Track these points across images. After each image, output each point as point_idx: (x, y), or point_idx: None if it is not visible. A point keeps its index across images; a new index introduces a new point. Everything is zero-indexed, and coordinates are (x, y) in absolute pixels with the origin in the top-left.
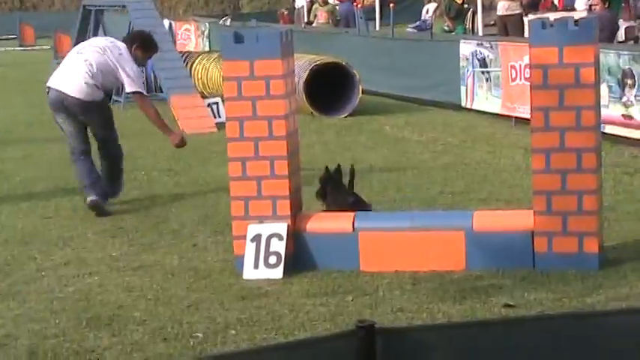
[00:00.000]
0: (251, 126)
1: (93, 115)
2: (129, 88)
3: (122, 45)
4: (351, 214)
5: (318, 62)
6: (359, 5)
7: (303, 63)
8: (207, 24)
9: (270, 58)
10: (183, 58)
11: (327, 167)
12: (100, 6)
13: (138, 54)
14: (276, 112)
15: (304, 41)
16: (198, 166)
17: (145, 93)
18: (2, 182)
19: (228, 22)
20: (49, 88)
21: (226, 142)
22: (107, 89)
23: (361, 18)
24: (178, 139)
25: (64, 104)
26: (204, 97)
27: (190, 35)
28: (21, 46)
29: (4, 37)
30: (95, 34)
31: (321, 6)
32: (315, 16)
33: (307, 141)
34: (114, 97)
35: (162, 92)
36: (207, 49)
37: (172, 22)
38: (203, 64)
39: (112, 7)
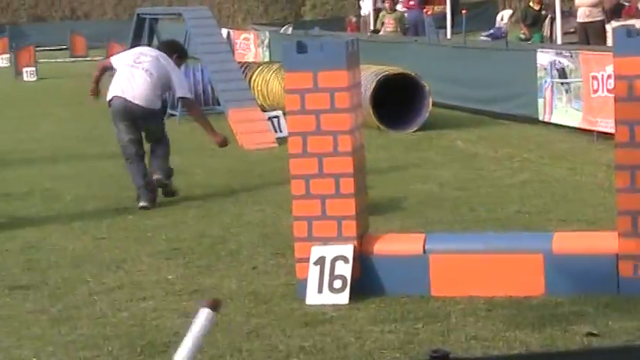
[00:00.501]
0: (315, 141)
1: (153, 122)
2: (180, 92)
3: (164, 54)
4: (422, 235)
5: (386, 73)
6: (429, 12)
7: (370, 74)
8: (267, 33)
9: (335, 69)
10: (242, 69)
11: None
12: (154, 14)
13: (177, 62)
14: (341, 127)
15: (371, 51)
16: (257, 184)
17: (192, 98)
18: (53, 201)
19: (289, 31)
20: (112, 97)
21: (288, 159)
22: (162, 97)
23: (431, 26)
24: (221, 139)
25: (128, 112)
26: (264, 110)
27: (250, 45)
28: (72, 56)
29: (54, 47)
30: (149, 44)
31: (388, 13)
32: (382, 23)
33: (374, 157)
34: (169, 111)
35: (219, 105)
36: (267, 59)
37: (231, 31)
38: (263, 75)
39: (167, 16)
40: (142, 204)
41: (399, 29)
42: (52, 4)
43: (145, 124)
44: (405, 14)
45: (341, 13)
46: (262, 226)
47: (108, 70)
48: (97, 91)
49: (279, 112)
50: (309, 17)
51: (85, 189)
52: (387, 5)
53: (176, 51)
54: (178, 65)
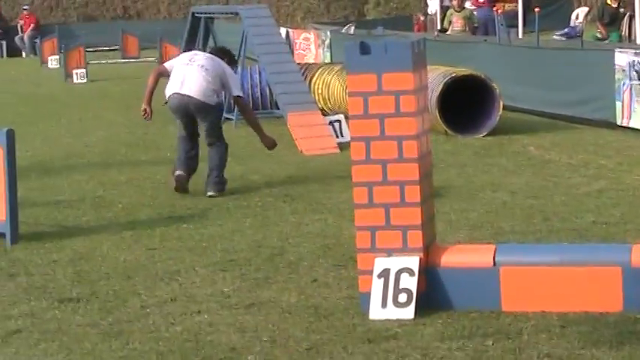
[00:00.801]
0: (378, 147)
1: (209, 117)
2: (235, 91)
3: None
4: (492, 246)
5: (453, 75)
6: (499, 10)
7: (437, 76)
8: (328, 32)
9: (401, 71)
10: (302, 70)
11: None
12: (210, 13)
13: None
14: (406, 132)
15: (438, 51)
16: (318, 192)
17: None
18: (103, 209)
19: (352, 30)
20: (169, 95)
21: (350, 165)
22: (218, 94)
23: (502, 25)
24: (271, 141)
25: (185, 107)
26: (325, 114)
27: (310, 45)
28: (123, 58)
29: (105, 48)
30: (205, 44)
31: (456, 11)
32: (450, 22)
33: (441, 163)
34: (225, 115)
35: (278, 109)
36: (328, 60)
37: (290, 31)
38: (324, 77)
39: (224, 15)
40: (178, 172)
41: (467, 28)
42: (104, 2)
43: (202, 119)
44: (474, 12)
45: (406, 12)
46: (323, 236)
47: (163, 76)
48: (151, 111)
49: (341, 116)
50: (373, 16)
51: (137, 197)
52: (454, 3)
53: (226, 56)
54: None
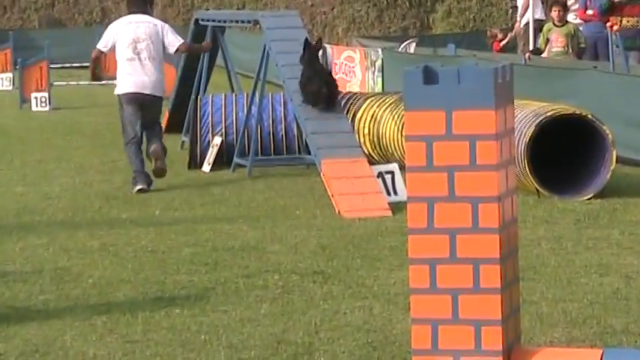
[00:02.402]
0: (446, 211)
1: (157, 107)
2: (172, 49)
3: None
4: (598, 350)
5: (550, 114)
6: (614, 27)
7: (527, 115)
8: (380, 51)
9: (479, 108)
10: (343, 102)
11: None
12: (220, 21)
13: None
14: (484, 191)
15: (529, 80)
16: (360, 269)
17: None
18: (67, 285)
19: (412, 49)
20: (122, 92)
21: (406, 235)
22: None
23: (617, 46)
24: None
25: (137, 100)
26: (372, 162)
27: (354, 67)
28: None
29: (75, 64)
30: (211, 62)
31: (556, 26)
32: (548, 40)
33: (530, 235)
34: (237, 160)
35: (309, 154)
36: (379, 88)
37: (328, 48)
38: (373, 112)
39: (239, 24)
40: (139, 187)
41: (570, 49)
42: (75, 2)
43: (149, 109)
44: (580, 28)
45: (487, 24)
46: (366, 330)
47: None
48: (97, 74)
49: (395, 167)
50: (441, 29)
51: (113, 269)
52: (554, 15)
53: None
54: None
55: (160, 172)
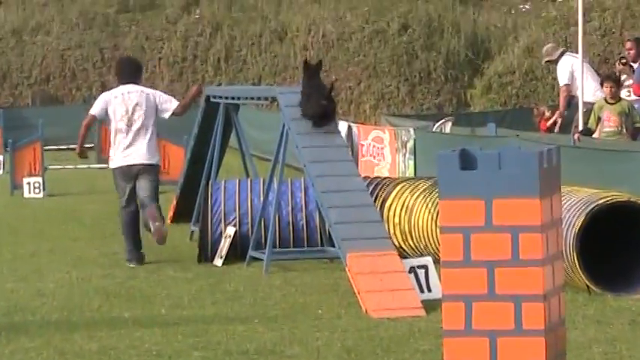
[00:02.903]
0: (485, 311)
1: (153, 174)
2: (167, 114)
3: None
4: None
5: (601, 201)
6: None
7: (576, 202)
8: (411, 131)
9: (522, 196)
10: (370, 188)
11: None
12: (233, 98)
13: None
14: (528, 289)
15: (578, 163)
16: None
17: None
18: None
19: (448, 128)
20: (117, 166)
21: (441, 337)
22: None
23: None
24: (196, 87)
25: (130, 172)
26: (404, 256)
27: (383, 149)
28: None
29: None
30: (224, 143)
31: (608, 103)
32: (599, 119)
33: (580, 337)
34: (252, 254)
35: (332, 246)
36: (411, 173)
37: (353, 126)
38: (404, 199)
39: (254, 100)
40: (132, 265)
41: (624, 129)
42: (72, 77)
43: (144, 176)
44: (636, 106)
45: (531, 100)
46: None
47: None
48: (85, 151)
49: (428, 260)
50: (480, 107)
51: None
52: (606, 91)
53: (139, 73)
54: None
55: (160, 234)
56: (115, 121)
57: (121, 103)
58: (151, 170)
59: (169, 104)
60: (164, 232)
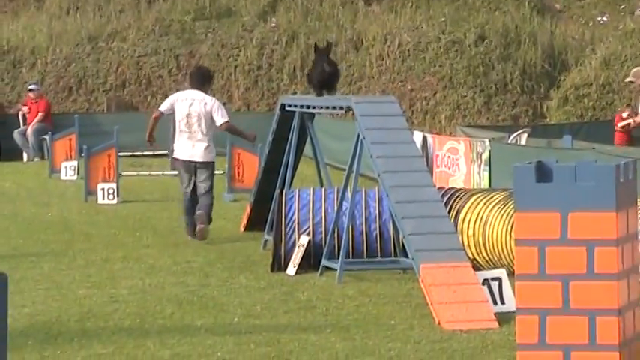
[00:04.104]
0: (559, 325)
1: (206, 171)
2: (220, 121)
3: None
4: None
5: None
6: None
7: None
8: (487, 142)
9: (597, 210)
10: (445, 199)
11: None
12: (309, 107)
13: (208, 88)
14: (603, 303)
15: None
16: None
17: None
18: None
19: (523, 140)
20: (177, 158)
21: (515, 349)
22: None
23: None
24: (252, 136)
25: (189, 166)
26: (477, 267)
27: (458, 160)
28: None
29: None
30: (298, 152)
31: None
32: None
33: None
34: (326, 263)
35: (406, 257)
36: (486, 184)
37: (428, 137)
38: (478, 211)
39: (329, 109)
40: (189, 236)
41: None
42: (148, 83)
43: (200, 173)
44: None
45: (608, 113)
46: None
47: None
48: (153, 138)
49: (502, 272)
50: (556, 119)
51: None
52: None
53: (207, 80)
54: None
55: (202, 235)
56: (178, 120)
57: (183, 106)
58: (207, 167)
59: (218, 118)
60: (205, 234)
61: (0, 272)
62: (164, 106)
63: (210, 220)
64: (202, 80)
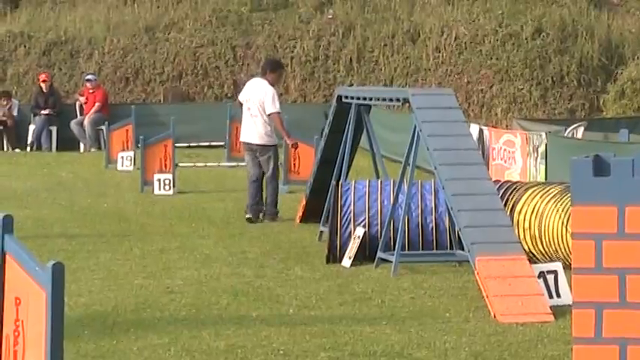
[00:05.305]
0: (616, 320)
1: (265, 154)
2: (269, 110)
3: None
4: None
5: None
6: None
7: None
8: (543, 135)
9: None
10: (501, 192)
11: None
12: (365, 98)
13: (271, 77)
14: None
15: None
16: None
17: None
18: None
19: (579, 133)
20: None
21: (570, 344)
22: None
23: None
24: (293, 141)
25: (249, 148)
26: (533, 261)
27: (514, 153)
28: (230, 159)
29: (204, 143)
30: (354, 143)
31: None
32: None
33: None
34: (381, 255)
35: (462, 249)
36: (542, 177)
37: (485, 130)
38: (534, 203)
39: (385, 102)
40: (247, 215)
41: None
42: (205, 74)
43: (260, 155)
44: None
45: None
46: None
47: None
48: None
49: (558, 266)
50: (613, 112)
51: None
52: None
53: (269, 69)
54: (274, 79)
55: (271, 220)
56: (243, 104)
57: (246, 92)
58: (267, 150)
59: (268, 106)
60: (274, 216)
61: (56, 262)
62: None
63: (276, 205)
64: (266, 69)
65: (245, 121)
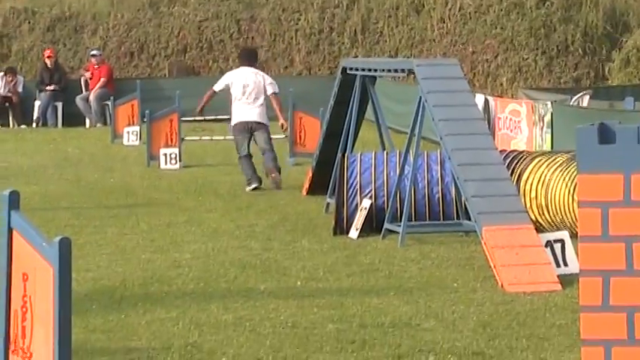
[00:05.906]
0: (623, 286)
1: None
2: (271, 90)
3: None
4: None
5: None
6: None
7: None
8: (549, 104)
9: None
10: (507, 161)
11: None
12: (370, 70)
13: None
14: None
15: None
16: (526, 349)
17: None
18: None
19: (585, 102)
20: (236, 122)
21: (578, 312)
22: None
23: None
24: (282, 124)
25: (246, 127)
26: (540, 230)
27: (520, 122)
28: None
29: (209, 117)
30: (360, 116)
31: None
32: None
33: None
34: (388, 226)
35: (468, 219)
36: (548, 146)
37: (490, 100)
38: (540, 173)
39: (390, 73)
40: (253, 185)
41: None
42: (209, 48)
43: (258, 132)
44: None
45: None
46: None
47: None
48: (203, 111)
49: (565, 235)
50: (618, 80)
51: (250, 346)
52: None
53: (255, 57)
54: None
55: (277, 183)
56: (235, 95)
57: (240, 80)
58: (263, 127)
59: (269, 88)
60: (279, 182)
61: (64, 237)
62: (219, 86)
63: (279, 170)
64: (250, 57)
65: (241, 106)
